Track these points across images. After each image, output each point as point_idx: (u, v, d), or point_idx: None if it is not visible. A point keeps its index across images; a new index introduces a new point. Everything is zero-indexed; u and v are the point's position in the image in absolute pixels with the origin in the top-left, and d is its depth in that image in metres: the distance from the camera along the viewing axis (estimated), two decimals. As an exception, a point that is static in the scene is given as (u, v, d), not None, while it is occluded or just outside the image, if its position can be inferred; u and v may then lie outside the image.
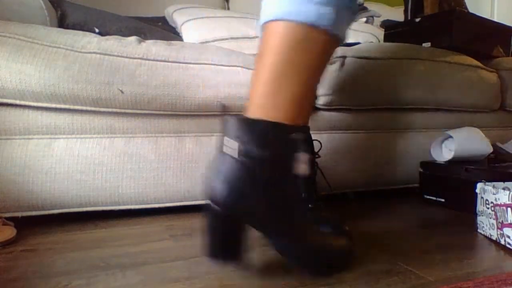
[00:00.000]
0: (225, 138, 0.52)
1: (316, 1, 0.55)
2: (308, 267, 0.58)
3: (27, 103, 0.83)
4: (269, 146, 0.52)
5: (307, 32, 0.55)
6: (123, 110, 0.89)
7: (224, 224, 0.54)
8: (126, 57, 0.87)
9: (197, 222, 0.88)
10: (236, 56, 0.99)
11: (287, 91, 0.55)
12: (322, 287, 0.54)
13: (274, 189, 0.53)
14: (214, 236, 0.54)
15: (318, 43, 0.56)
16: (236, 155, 0.51)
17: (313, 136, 0.79)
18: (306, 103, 0.60)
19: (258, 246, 0.71)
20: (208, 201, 0.53)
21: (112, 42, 0.88)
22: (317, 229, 0.59)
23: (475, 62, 1.29)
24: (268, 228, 0.55)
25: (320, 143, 0.77)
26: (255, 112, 0.55)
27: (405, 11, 1.56)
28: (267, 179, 0.52)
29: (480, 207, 0.79)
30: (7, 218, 0.79)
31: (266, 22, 0.57)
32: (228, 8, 1.75)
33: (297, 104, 0.56)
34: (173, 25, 1.45)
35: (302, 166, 0.54)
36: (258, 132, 0.52)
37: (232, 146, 0.51)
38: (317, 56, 0.57)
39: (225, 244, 0.55)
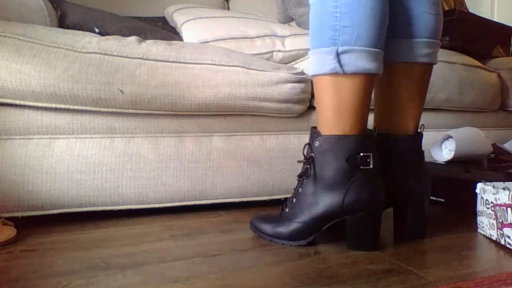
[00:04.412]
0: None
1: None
2: None
3: (27, 103, 0.83)
4: None
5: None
6: (123, 110, 0.89)
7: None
8: (126, 57, 0.87)
9: (197, 222, 0.88)
10: (236, 56, 0.99)
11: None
12: (322, 287, 0.54)
13: None
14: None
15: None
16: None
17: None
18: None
19: (257, 246, 0.71)
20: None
21: (112, 42, 0.88)
22: None
23: (475, 62, 1.29)
24: None
25: None
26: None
27: (405, 11, 1.55)
28: None
29: (480, 207, 0.79)
30: (7, 218, 0.79)
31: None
32: (228, 8, 1.75)
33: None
34: (173, 25, 1.45)
35: None
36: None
37: None
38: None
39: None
